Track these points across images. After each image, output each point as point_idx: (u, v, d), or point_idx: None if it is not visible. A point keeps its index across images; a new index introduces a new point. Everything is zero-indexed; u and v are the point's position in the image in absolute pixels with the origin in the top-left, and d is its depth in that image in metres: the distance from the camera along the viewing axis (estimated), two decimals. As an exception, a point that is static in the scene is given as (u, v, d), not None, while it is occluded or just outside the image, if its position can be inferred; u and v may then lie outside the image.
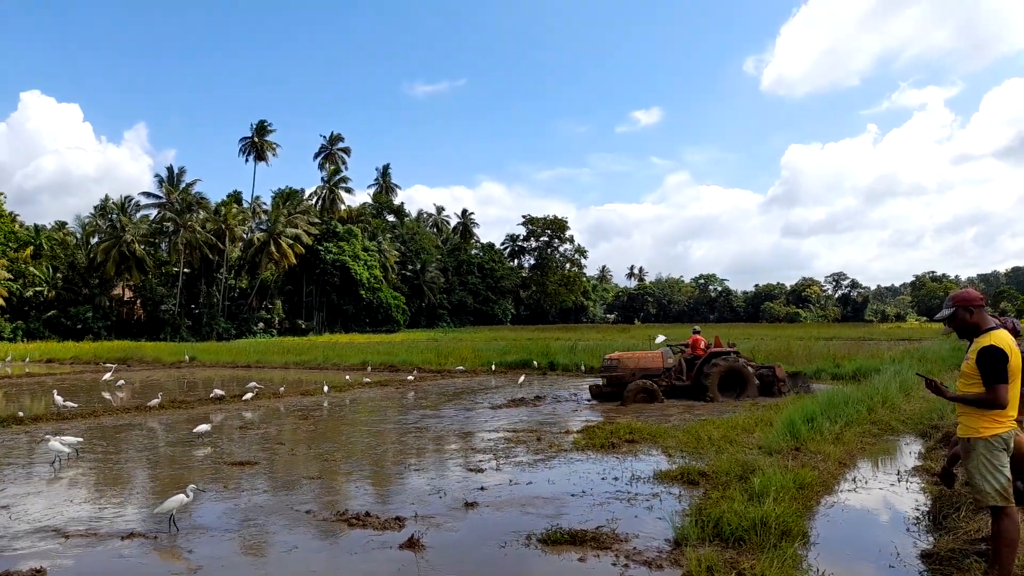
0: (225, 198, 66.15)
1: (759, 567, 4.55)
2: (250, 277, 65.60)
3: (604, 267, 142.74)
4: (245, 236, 63.44)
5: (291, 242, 60.58)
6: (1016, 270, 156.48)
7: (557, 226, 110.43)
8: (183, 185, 60.02)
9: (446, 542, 5.69)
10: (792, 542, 5.15)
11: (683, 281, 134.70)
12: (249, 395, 15.54)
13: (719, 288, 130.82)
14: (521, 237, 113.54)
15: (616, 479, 7.68)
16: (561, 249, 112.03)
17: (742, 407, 13.21)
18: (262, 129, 68.78)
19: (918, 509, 6.36)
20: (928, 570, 4.84)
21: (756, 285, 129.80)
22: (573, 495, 7.08)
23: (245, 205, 67.30)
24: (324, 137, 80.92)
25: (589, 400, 15.56)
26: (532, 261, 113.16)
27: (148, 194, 60.41)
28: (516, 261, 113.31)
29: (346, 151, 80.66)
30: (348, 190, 76.64)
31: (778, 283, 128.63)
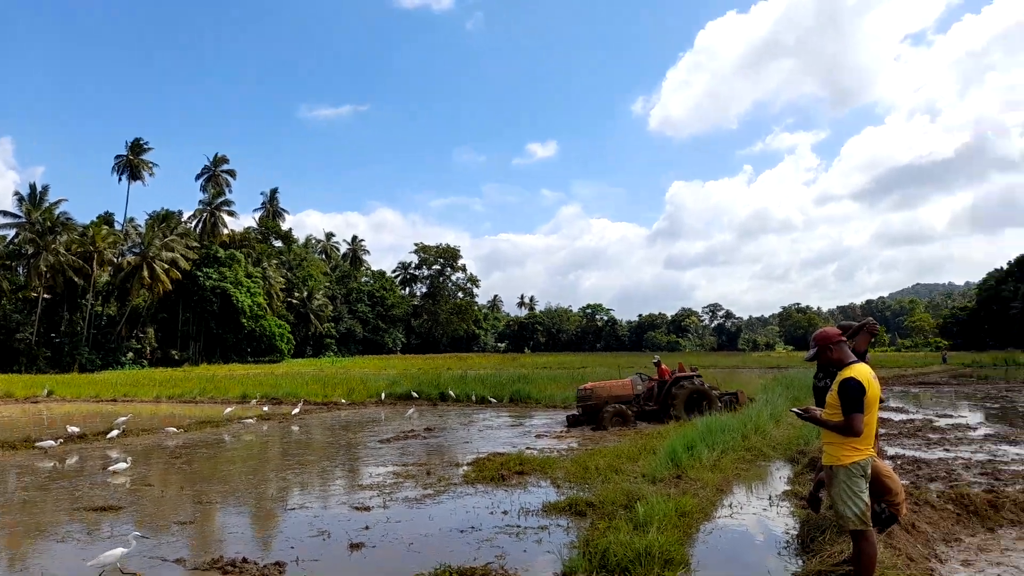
0: (95, 219, 61.79)
1: (643, 598, 4.64)
2: (120, 304, 61.28)
3: (496, 296, 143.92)
4: (116, 260, 59.34)
5: (167, 266, 57.28)
6: (870, 302, 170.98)
7: (450, 255, 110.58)
8: (46, 204, 55.53)
9: (330, 587, 5.46)
10: (675, 570, 5.31)
11: (571, 311, 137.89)
12: (115, 432, 14.40)
13: (605, 317, 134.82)
14: (413, 265, 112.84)
15: (505, 513, 7.66)
16: (453, 278, 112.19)
17: (626, 436, 13.57)
18: (137, 147, 65.02)
19: (788, 532, 6.72)
20: (797, 592, 5.11)
21: (640, 315, 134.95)
22: (462, 531, 6.99)
23: (117, 227, 63.15)
24: (208, 158, 77.49)
25: (524, 424, 16.45)
26: (424, 289, 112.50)
27: (5, 213, 55.44)
28: (408, 289, 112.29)
29: (231, 173, 77.56)
30: (232, 213, 73.59)
31: (660, 313, 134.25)
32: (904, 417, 16.53)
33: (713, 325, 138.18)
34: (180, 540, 6.86)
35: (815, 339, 4.98)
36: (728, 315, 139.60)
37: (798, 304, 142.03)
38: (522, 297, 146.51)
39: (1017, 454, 11.01)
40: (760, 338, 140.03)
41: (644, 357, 66.95)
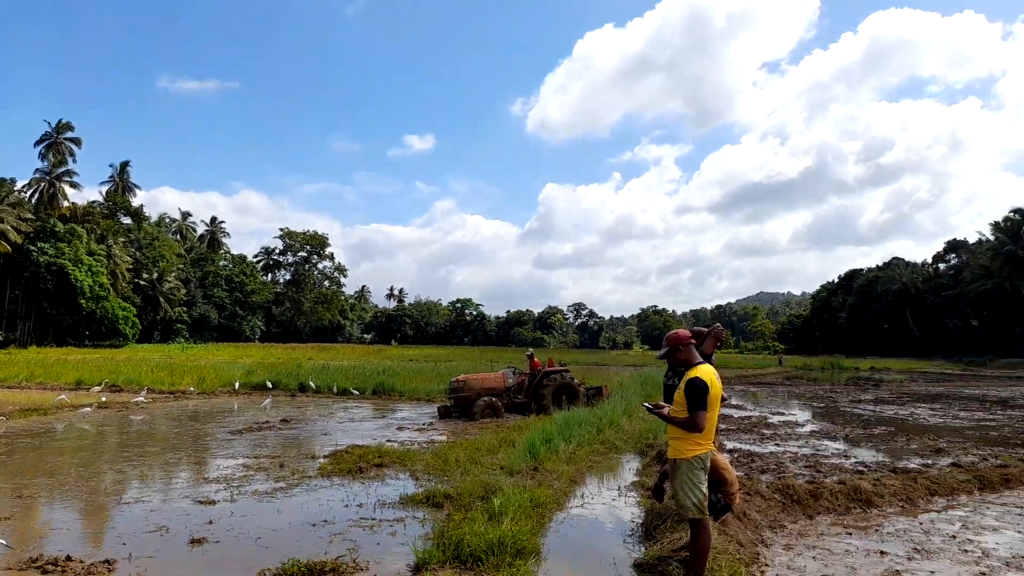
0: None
1: (494, 587, 4.71)
2: (-68, 276, 54.38)
3: (364, 287, 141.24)
4: (-72, 227, 52.58)
5: (-8, 238, 51.45)
6: (719, 307, 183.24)
7: (317, 242, 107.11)
8: None
9: (165, 585, 5.12)
10: (526, 559, 5.43)
11: (441, 304, 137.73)
12: None
13: (475, 312, 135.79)
14: (277, 251, 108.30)
15: (361, 505, 7.52)
16: (320, 266, 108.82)
17: (488, 429, 13.74)
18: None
19: (634, 521, 7.07)
20: (638, 577, 5.39)
21: (508, 311, 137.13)
22: (314, 525, 6.79)
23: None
24: (50, 124, 70.16)
25: (434, 418, 16.42)
26: (288, 277, 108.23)
27: None
28: (270, 276, 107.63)
29: (76, 142, 70.72)
30: (74, 185, 67.20)
31: (527, 310, 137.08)
32: (743, 414, 17.86)
33: (577, 323, 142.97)
34: (-9, 539, 6.18)
35: (667, 339, 5.27)
36: (591, 314, 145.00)
37: (655, 306, 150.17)
38: (392, 289, 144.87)
39: (836, 448, 12.19)
40: (620, 337, 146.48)
41: (511, 352, 68.08)
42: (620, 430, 12.85)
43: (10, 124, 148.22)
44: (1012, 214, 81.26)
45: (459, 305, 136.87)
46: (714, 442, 5.38)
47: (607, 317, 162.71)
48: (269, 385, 22.63)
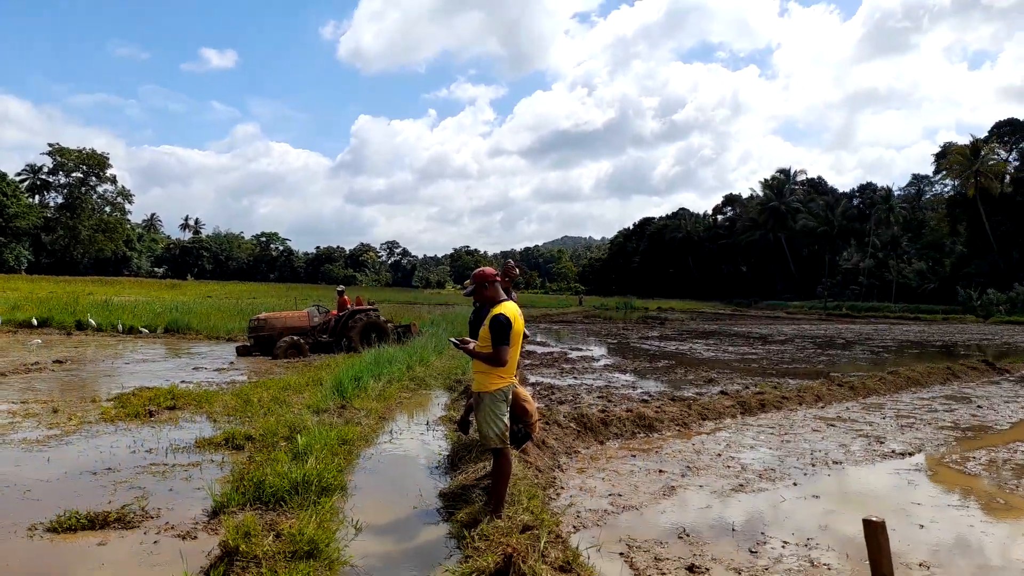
0: None
1: (297, 525, 4.66)
2: None
3: (153, 215, 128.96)
4: None
5: None
6: (527, 249, 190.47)
7: (95, 162, 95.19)
8: None
9: (-94, 550, 4.48)
10: (331, 497, 5.42)
11: (243, 238, 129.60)
12: None
13: (281, 248, 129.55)
14: (47, 169, 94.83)
15: (150, 451, 7.02)
16: (100, 189, 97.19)
17: (293, 368, 13.35)
18: None
19: (440, 454, 7.29)
20: (444, 506, 5.59)
21: (318, 247, 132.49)
22: (95, 473, 6.24)
23: None
24: None
25: (232, 360, 15.22)
26: (60, 200, 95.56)
27: None
28: (38, 198, 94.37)
29: None
30: None
31: (339, 247, 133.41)
32: (546, 350, 18.93)
33: (390, 262, 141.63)
34: None
35: (473, 277, 5.39)
36: (404, 253, 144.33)
37: (468, 247, 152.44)
38: (186, 219, 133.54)
39: (626, 380, 13.36)
40: (433, 276, 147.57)
41: (320, 289, 66.04)
42: (430, 367, 13.08)
43: None
44: (778, 173, 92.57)
45: (264, 239, 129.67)
46: (516, 376, 5.65)
47: (420, 256, 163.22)
48: (35, 323, 20.16)
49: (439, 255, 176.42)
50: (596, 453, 7.65)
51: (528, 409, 6.55)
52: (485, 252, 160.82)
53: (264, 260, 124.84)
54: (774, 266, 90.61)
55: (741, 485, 6.50)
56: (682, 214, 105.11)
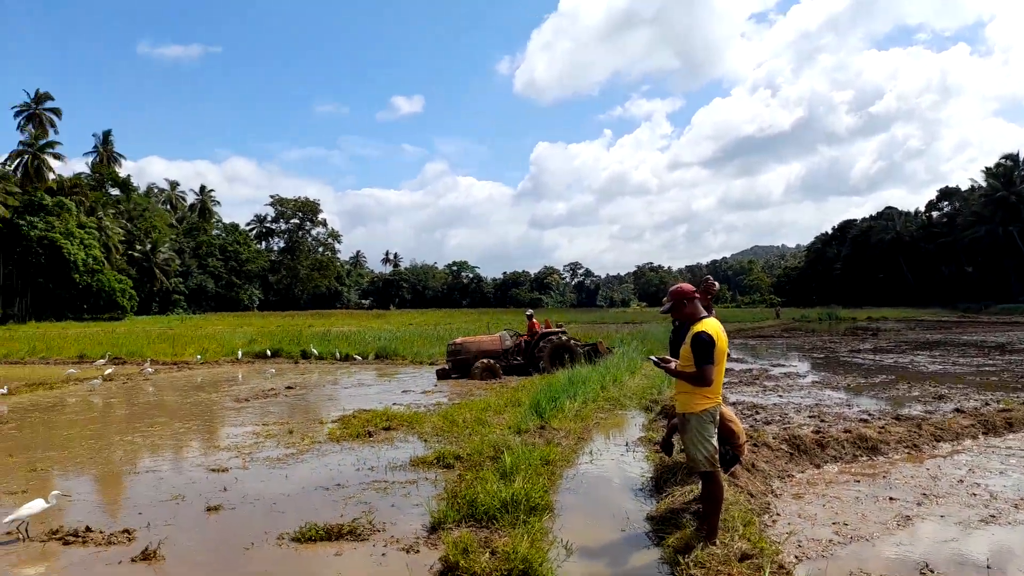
0: None
1: (511, 543, 4.78)
2: (-75, 254, 53.99)
3: (359, 252, 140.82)
4: (-84, 204, 51.98)
5: (-18, 214, 50.88)
6: (714, 262, 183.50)
7: (309, 208, 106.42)
8: None
9: (187, 551, 5.19)
10: (540, 516, 5.50)
11: (437, 268, 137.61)
12: None
13: (471, 275, 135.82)
14: (270, 218, 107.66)
15: (372, 469, 7.59)
16: (313, 232, 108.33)
17: (491, 389, 13.83)
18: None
19: (643, 476, 7.15)
20: (652, 530, 5.46)
21: (504, 272, 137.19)
22: (327, 489, 6.86)
23: (-84, 166, 55.16)
24: (28, 94, 68.99)
25: (435, 383, 16.24)
26: (282, 244, 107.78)
27: None
28: (264, 244, 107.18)
29: (56, 112, 69.64)
30: (58, 156, 66.14)
31: (523, 271, 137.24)
32: (744, 367, 18.00)
33: (574, 283, 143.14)
34: (11, 512, 6.22)
35: (671, 294, 5.24)
36: (587, 273, 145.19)
37: (651, 263, 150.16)
38: (387, 254, 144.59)
39: (839, 398, 12.31)
40: (617, 295, 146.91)
41: (509, 314, 68.23)
42: (623, 387, 12.95)
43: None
44: (1004, 160, 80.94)
45: (455, 268, 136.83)
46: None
47: (603, 275, 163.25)
48: (268, 354, 22.72)
49: (622, 273, 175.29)
50: (813, 477, 7.10)
51: (735, 430, 6.26)
52: (669, 267, 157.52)
53: (456, 288, 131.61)
54: (1007, 264, 79.42)
55: (992, 516, 5.70)
56: (889, 213, 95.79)
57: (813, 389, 13.58)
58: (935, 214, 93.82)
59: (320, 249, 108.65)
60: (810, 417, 10.20)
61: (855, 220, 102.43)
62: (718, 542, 4.71)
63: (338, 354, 22.29)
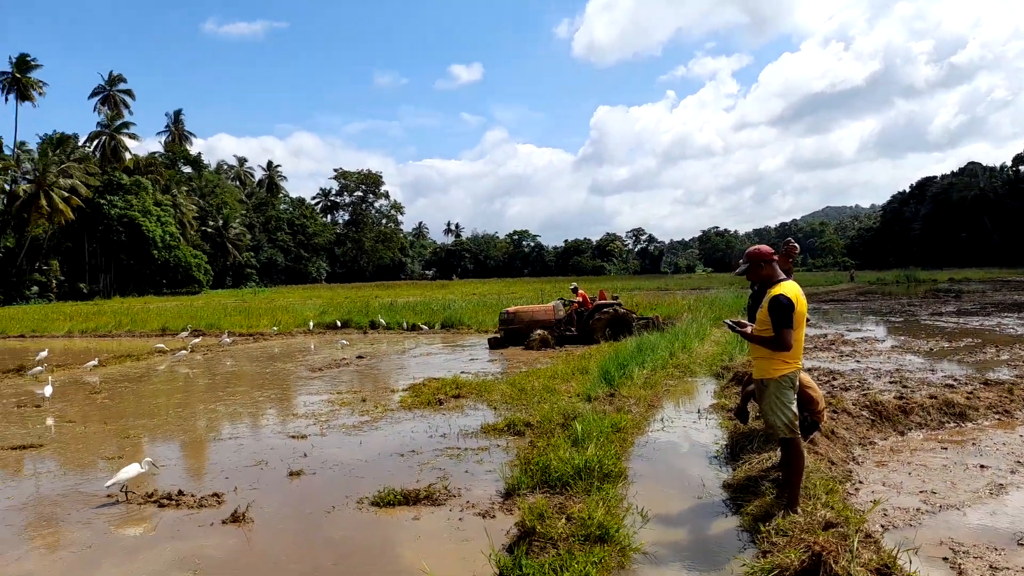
0: (-20, 144, 56.85)
1: (586, 510, 4.78)
2: (17, 235, 57.24)
3: (421, 223, 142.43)
4: (7, 188, 55.02)
5: (66, 195, 53.48)
6: (783, 225, 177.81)
7: (372, 181, 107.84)
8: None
9: (274, 513, 5.40)
10: (614, 483, 5.49)
11: (498, 237, 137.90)
12: (38, 368, 13.56)
13: (532, 244, 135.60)
14: (334, 192, 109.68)
15: (444, 436, 7.72)
16: (377, 205, 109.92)
17: (559, 357, 13.83)
18: (24, 64, 59.43)
19: (717, 444, 7.04)
20: (730, 498, 5.38)
21: (565, 240, 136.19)
22: (402, 455, 7.01)
23: (7, 152, 58.26)
24: (102, 76, 71.79)
25: (454, 348, 16.67)
26: (346, 217, 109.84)
27: None
28: (329, 217, 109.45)
29: (129, 93, 72.19)
30: (133, 136, 68.69)
31: (585, 238, 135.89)
32: (817, 332, 17.46)
33: (636, 249, 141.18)
34: (108, 475, 6.60)
35: (747, 255, 5.07)
36: (651, 239, 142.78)
37: (716, 227, 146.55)
38: (448, 224, 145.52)
39: (920, 363, 11.82)
40: (681, 261, 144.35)
41: (572, 282, 68.01)
42: (692, 353, 12.75)
43: (64, 79, 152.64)
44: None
45: (516, 237, 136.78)
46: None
47: (667, 241, 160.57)
48: (338, 325, 23.29)
49: (686, 239, 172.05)
50: (896, 445, 6.85)
51: (813, 396, 6.07)
52: (736, 231, 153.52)
53: (518, 257, 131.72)
54: (1105, 220, 74.34)
55: (1097, 486, 5.38)
56: (972, 169, 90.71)
57: (893, 354, 13.07)
58: (1022, 168, 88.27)
59: (383, 221, 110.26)
60: (891, 383, 9.82)
61: (935, 177, 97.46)
62: (800, 510, 4.59)
63: (405, 324, 22.68)
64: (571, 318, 17.37)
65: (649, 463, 6.49)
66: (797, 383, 4.91)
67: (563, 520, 4.69)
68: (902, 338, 15.84)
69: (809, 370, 11.06)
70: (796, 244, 6.40)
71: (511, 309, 17.51)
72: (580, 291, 18.18)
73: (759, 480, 5.44)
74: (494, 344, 16.99)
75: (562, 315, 17.40)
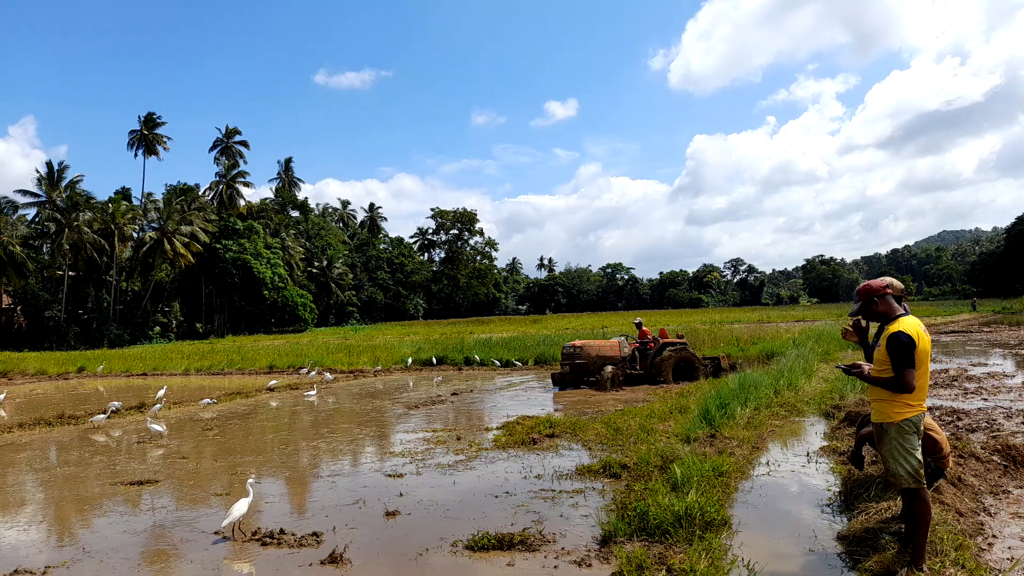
0: (113, 195, 62.19)
1: (688, 561, 4.54)
2: (143, 279, 61.92)
3: (515, 259, 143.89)
4: (136, 235, 59.76)
5: (187, 240, 57.59)
6: (895, 252, 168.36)
7: (467, 219, 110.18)
8: (65, 182, 55.81)
9: (370, 555, 5.44)
10: (717, 532, 5.21)
11: (591, 270, 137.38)
12: (157, 407, 14.42)
13: (626, 276, 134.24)
14: (431, 230, 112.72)
15: (539, 477, 7.60)
16: (471, 242, 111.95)
17: (655, 395, 13.47)
18: (151, 121, 64.93)
19: (829, 490, 6.58)
20: (845, 551, 4.98)
21: (661, 272, 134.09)
22: (496, 496, 6.94)
23: (135, 202, 63.46)
24: (220, 130, 77.55)
25: (546, 386, 16.40)
26: (442, 255, 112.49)
27: (25, 192, 55.67)
28: (426, 255, 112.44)
29: (244, 144, 77.41)
30: (248, 184, 73.55)
31: (681, 270, 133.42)
32: (938, 366, 16.24)
33: (735, 280, 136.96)
34: (219, 512, 6.87)
35: (858, 292, 4.77)
36: (751, 269, 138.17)
37: (822, 256, 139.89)
38: (541, 259, 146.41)
39: (1059, 402, 10.73)
40: (784, 291, 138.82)
41: (667, 315, 66.63)
42: (799, 391, 12.12)
43: (187, 134, 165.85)
44: None
45: (609, 270, 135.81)
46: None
47: (768, 271, 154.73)
48: (434, 362, 23.67)
49: (789, 268, 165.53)
50: (1035, 494, 6.18)
51: (938, 440, 5.59)
52: (843, 260, 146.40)
53: (611, 290, 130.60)
54: None
55: None
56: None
57: (1026, 391, 11.95)
58: None
59: (478, 258, 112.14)
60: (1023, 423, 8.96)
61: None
62: (926, 568, 4.20)
63: (498, 361, 22.78)
64: (635, 356, 16.65)
65: (755, 510, 6.14)
66: (922, 427, 4.53)
67: (663, 572, 4.48)
68: (1037, 373, 14.49)
69: (930, 409, 10.25)
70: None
71: (577, 343, 16.71)
72: (644, 327, 17.64)
73: (878, 532, 5.02)
74: (558, 381, 16.34)
75: (627, 352, 16.63)
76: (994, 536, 5.16)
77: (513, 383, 18.00)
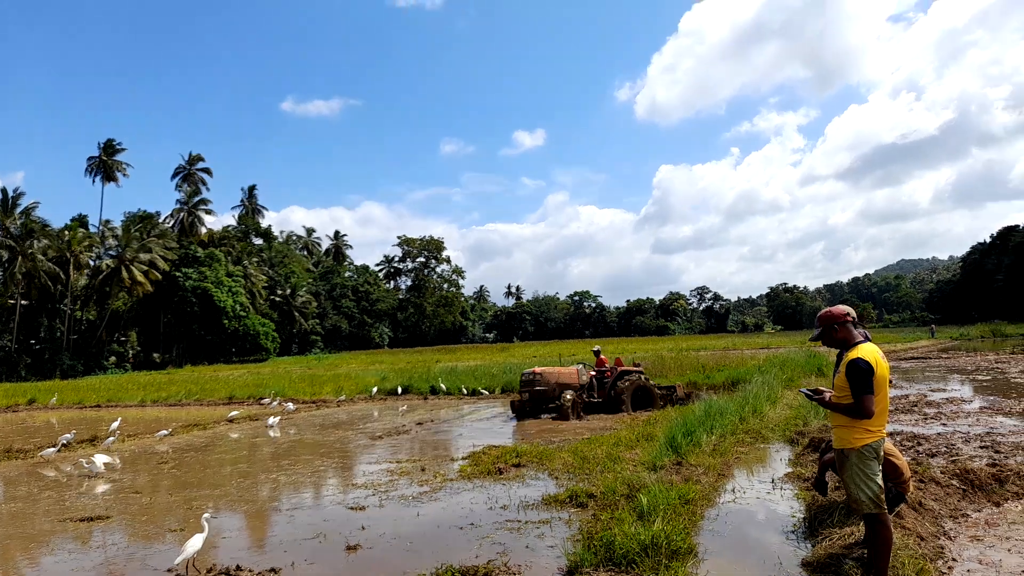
0: (69, 222, 60.76)
1: (654, 592, 4.48)
2: (99, 308, 60.29)
3: (482, 287, 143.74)
4: (92, 263, 58.30)
5: (145, 268, 56.31)
6: (856, 280, 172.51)
7: (434, 246, 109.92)
8: (20, 208, 54.42)
9: (327, 593, 5.26)
10: (683, 561, 5.17)
11: (559, 298, 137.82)
12: (110, 439, 13.94)
13: (593, 304, 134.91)
14: (397, 258, 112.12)
15: (504, 508, 7.48)
16: (438, 270, 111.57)
17: (622, 423, 13.45)
18: (110, 148, 63.90)
19: (794, 516, 6.59)
20: (810, 578, 4.97)
21: (628, 300, 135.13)
22: (461, 528, 6.81)
23: (93, 229, 62.00)
24: (183, 157, 76.50)
25: (511, 416, 16.19)
26: (409, 282, 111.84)
27: (-24, 220, 54.14)
28: (392, 283, 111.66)
29: (207, 171, 76.37)
30: (209, 212, 72.38)
31: (648, 298, 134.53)
32: (898, 392, 16.54)
33: (701, 308, 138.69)
34: (173, 549, 6.60)
35: (819, 319, 4.83)
36: (716, 297, 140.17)
37: (785, 284, 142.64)
38: (509, 286, 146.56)
39: (1014, 426, 10.98)
40: (749, 319, 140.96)
41: (634, 342, 66.97)
42: (764, 418, 12.21)
43: (148, 160, 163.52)
44: None
45: (577, 298, 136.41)
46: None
47: (734, 299, 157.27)
48: (399, 391, 23.37)
49: (754, 296, 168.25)
50: (992, 517, 6.27)
51: (898, 465, 5.66)
52: (806, 287, 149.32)
53: (579, 318, 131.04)
54: None
55: None
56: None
57: (982, 416, 12.21)
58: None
59: (444, 286, 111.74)
60: (982, 448, 9.13)
61: (1017, 226, 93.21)
62: (889, 594, 4.19)
63: (464, 390, 22.58)
64: (592, 384, 16.42)
65: (721, 538, 6.11)
66: (881, 453, 4.57)
67: (629, 603, 4.39)
68: (991, 398, 14.84)
69: (891, 434, 10.41)
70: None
71: (537, 369, 16.46)
72: (602, 355, 17.58)
73: (841, 558, 5.02)
74: (517, 408, 16.01)
75: (585, 380, 16.37)
76: (954, 560, 5.21)
77: (479, 412, 17.84)
